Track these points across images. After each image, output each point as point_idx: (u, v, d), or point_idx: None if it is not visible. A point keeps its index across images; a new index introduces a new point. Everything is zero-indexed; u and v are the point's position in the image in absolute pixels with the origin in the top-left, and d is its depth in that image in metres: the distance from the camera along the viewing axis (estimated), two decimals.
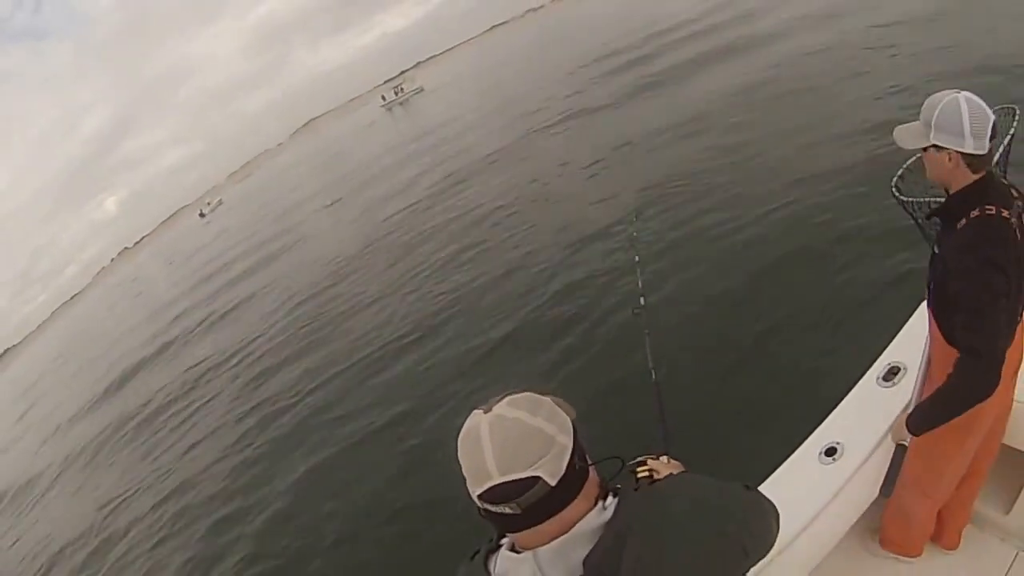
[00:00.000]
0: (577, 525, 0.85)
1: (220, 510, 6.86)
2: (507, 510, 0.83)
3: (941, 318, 1.72)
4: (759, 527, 0.97)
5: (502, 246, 9.93)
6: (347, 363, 8.54)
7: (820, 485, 1.95)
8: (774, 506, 1.05)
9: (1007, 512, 2.12)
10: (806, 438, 2.11)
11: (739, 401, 3.96)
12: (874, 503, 2.08)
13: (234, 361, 11.73)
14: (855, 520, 2.08)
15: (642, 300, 2.34)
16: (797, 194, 6.61)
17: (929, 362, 1.85)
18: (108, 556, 7.61)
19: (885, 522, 2.17)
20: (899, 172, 2.48)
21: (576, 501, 0.86)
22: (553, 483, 0.83)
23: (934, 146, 1.59)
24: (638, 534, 0.84)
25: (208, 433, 9.17)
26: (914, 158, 2.48)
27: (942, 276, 1.64)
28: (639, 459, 1.43)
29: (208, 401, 10.49)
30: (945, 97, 1.55)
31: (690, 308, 5.66)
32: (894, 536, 2.17)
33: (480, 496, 0.84)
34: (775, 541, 1.01)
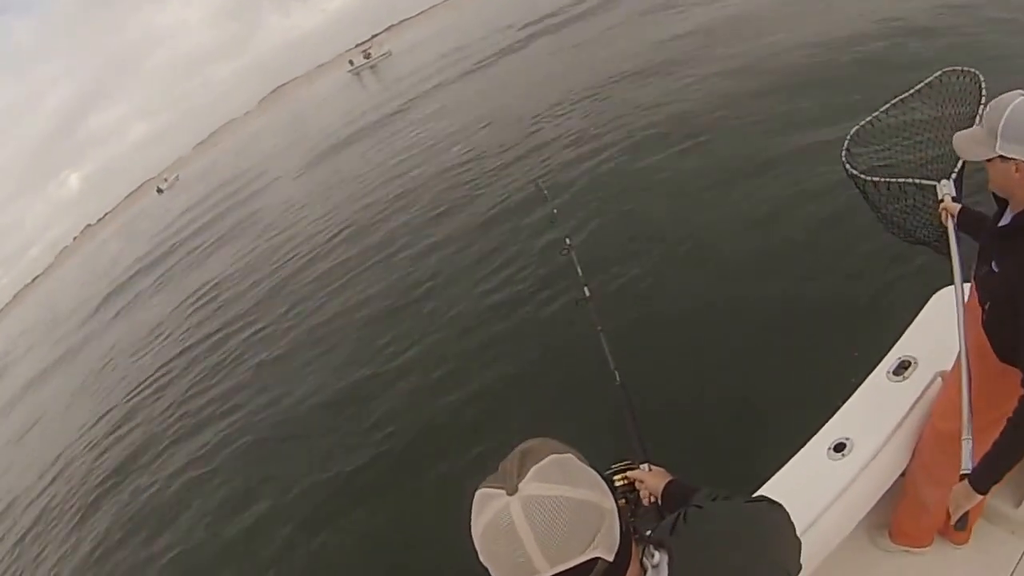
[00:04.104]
0: None
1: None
2: None
3: (997, 339, 1.60)
4: (796, 552, 0.97)
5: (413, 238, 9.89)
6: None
7: (828, 481, 1.88)
8: (790, 520, 1.02)
9: (1018, 506, 2.09)
10: (814, 434, 2.05)
11: (742, 398, 3.83)
12: (883, 499, 2.04)
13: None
14: (864, 516, 2.03)
15: (586, 290, 2.21)
16: (789, 166, 6.41)
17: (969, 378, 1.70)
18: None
19: (897, 513, 2.12)
20: (845, 145, 2.33)
21: (631, 567, 0.78)
22: (611, 558, 0.73)
23: (1000, 156, 1.44)
24: None
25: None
26: (859, 126, 2.36)
27: (1004, 298, 1.51)
28: (615, 467, 1.36)
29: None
30: (1013, 101, 1.38)
31: (655, 298, 5.43)
32: (906, 526, 2.12)
33: None
34: None
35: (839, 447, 1.95)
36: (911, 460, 2.03)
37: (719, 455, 3.37)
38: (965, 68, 2.14)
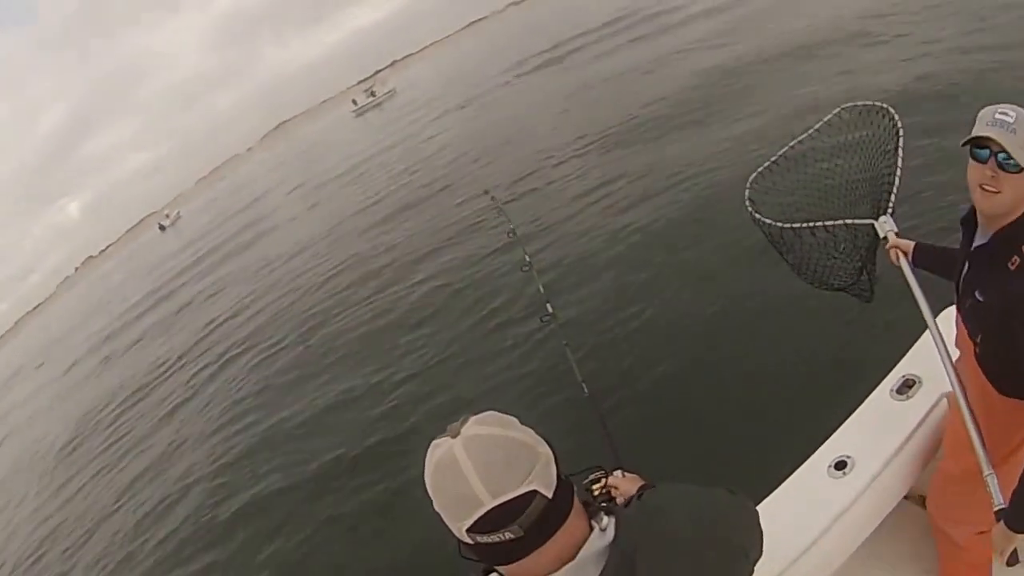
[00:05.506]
0: (582, 550, 0.81)
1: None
2: (508, 535, 0.76)
3: (993, 372, 1.49)
4: (753, 530, 1.01)
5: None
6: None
7: (829, 500, 1.83)
8: (754, 506, 1.07)
9: None
10: (800, 448, 2.01)
11: (741, 411, 3.76)
12: (884, 519, 1.98)
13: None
14: (865, 537, 1.97)
15: (549, 307, 2.26)
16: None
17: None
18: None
19: (943, 563, 1.98)
20: (746, 193, 2.13)
21: (572, 517, 0.82)
22: (550, 495, 0.78)
23: None
24: (646, 553, 0.82)
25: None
26: (757, 172, 2.15)
27: (997, 327, 1.38)
28: (593, 476, 1.38)
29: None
30: None
31: (621, 310, 5.36)
32: (959, 572, 1.93)
33: (471, 528, 0.76)
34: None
35: (840, 465, 1.91)
36: (928, 504, 1.95)
37: (705, 467, 3.29)
38: (870, 102, 2.00)
